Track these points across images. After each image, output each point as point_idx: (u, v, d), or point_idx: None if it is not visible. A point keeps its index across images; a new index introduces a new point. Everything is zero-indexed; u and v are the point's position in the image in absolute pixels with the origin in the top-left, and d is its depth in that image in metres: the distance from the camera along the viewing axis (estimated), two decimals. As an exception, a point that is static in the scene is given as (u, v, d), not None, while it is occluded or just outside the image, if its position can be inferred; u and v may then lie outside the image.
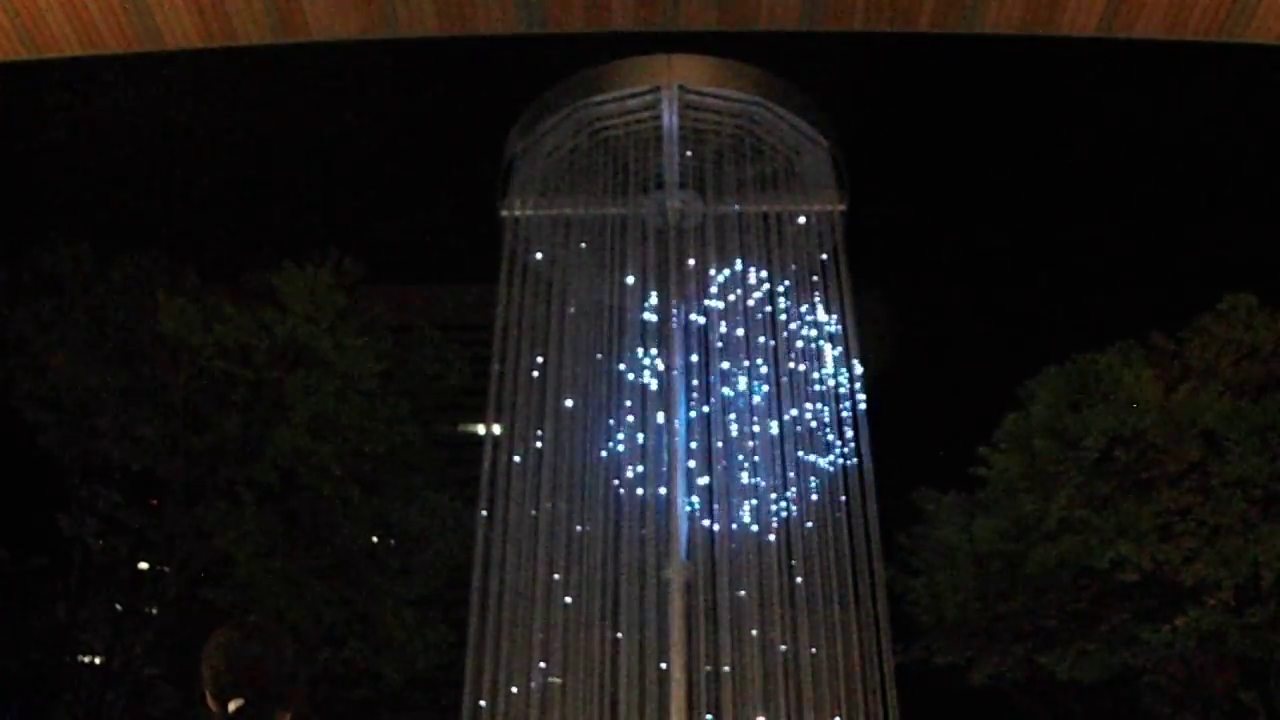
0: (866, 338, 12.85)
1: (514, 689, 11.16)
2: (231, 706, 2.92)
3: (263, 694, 2.97)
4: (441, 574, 22.87)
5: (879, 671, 11.19)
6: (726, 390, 12.18)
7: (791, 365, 12.37)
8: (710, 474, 11.82)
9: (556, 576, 11.33)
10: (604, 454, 12.05)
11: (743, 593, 11.19)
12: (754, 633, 11.00)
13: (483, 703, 11.20)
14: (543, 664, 11.25)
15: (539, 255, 13.10)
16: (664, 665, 11.08)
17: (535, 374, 12.17)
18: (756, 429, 12.08)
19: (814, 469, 12.02)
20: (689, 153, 12.71)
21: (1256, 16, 5.67)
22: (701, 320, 12.39)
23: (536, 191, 12.93)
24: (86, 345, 20.71)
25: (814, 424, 12.25)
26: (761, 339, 12.35)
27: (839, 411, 12.21)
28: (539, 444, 11.90)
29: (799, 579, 11.47)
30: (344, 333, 21.43)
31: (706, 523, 11.63)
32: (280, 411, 20.77)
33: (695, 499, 11.79)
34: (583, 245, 12.94)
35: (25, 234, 21.98)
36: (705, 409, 12.02)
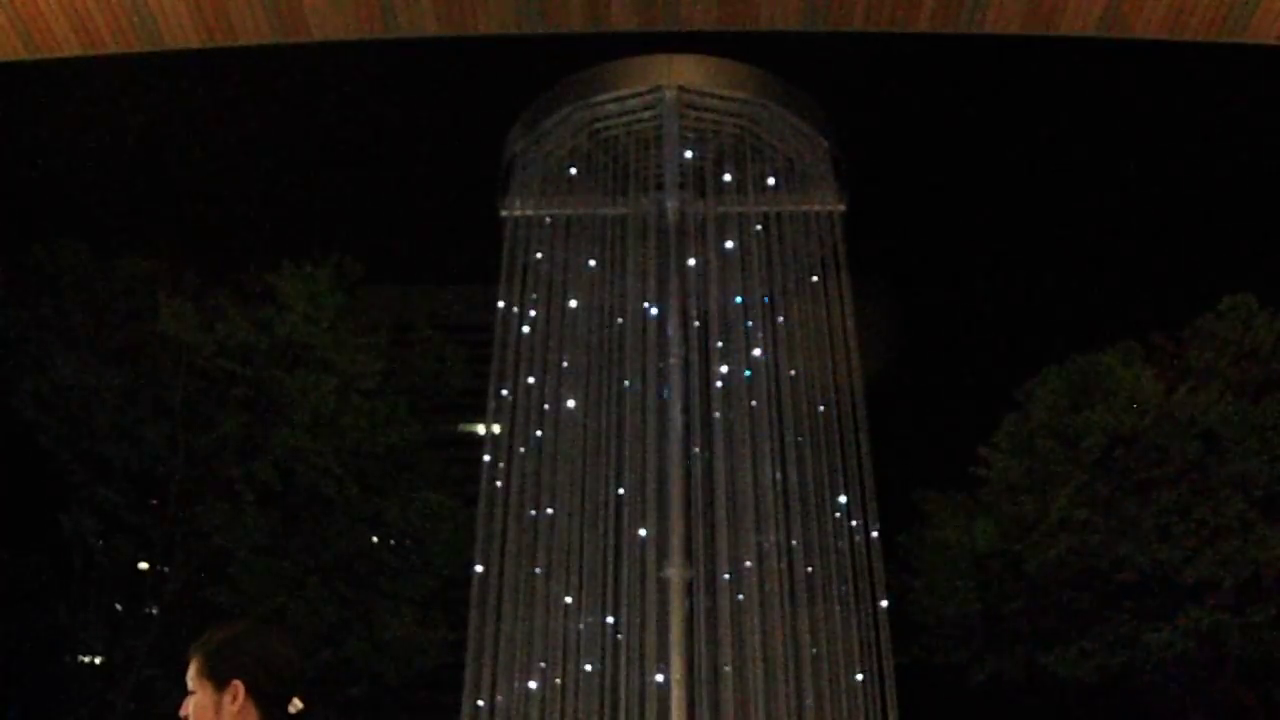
0: (866, 338, 12.84)
1: (514, 688, 11.15)
2: (293, 709, 2.94)
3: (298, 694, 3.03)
4: (441, 574, 22.87)
5: (879, 671, 11.18)
6: (725, 389, 12.18)
7: (791, 365, 12.37)
8: (709, 474, 11.81)
9: (556, 577, 11.33)
10: (603, 454, 12.05)
11: (741, 596, 11.18)
12: (754, 632, 10.99)
13: (482, 702, 11.20)
14: (543, 664, 11.25)
15: (539, 255, 13.08)
16: (663, 665, 11.08)
17: (535, 374, 12.17)
18: (756, 428, 12.08)
19: (814, 469, 12.01)
20: (689, 153, 12.70)
21: (1256, 16, 5.68)
22: (700, 320, 12.38)
23: (536, 191, 12.92)
24: (86, 345, 20.72)
25: (814, 424, 12.24)
26: (760, 339, 12.34)
27: (839, 411, 12.19)
28: (539, 444, 11.90)
29: (798, 579, 11.47)
30: (344, 333, 21.44)
31: (708, 522, 11.62)
32: (280, 411, 20.79)
33: (694, 496, 11.78)
34: (583, 245, 12.94)
35: (25, 234, 21.96)
36: (704, 408, 12.01)
